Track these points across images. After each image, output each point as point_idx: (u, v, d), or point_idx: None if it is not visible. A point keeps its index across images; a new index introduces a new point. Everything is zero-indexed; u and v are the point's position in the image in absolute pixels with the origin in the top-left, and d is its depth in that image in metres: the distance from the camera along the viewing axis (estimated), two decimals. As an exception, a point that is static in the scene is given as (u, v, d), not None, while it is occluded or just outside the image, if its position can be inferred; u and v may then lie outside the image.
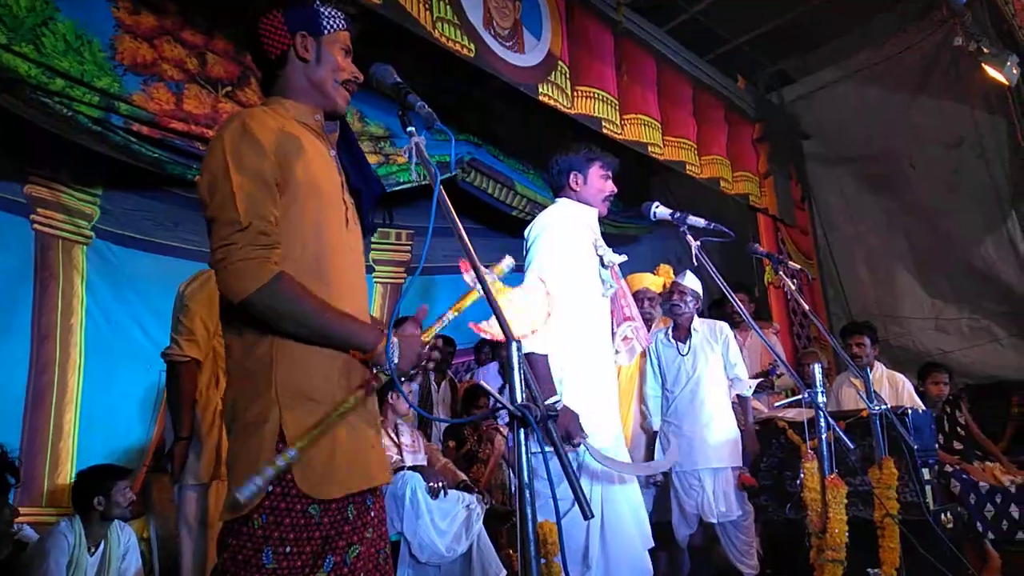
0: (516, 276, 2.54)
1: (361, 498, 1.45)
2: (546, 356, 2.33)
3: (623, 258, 2.68)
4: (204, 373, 2.90)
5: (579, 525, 2.20)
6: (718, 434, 3.65)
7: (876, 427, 2.90)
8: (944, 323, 6.38)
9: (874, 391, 2.90)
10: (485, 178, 5.68)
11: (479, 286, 1.38)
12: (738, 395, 3.84)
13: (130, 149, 3.78)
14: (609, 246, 2.64)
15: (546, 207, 2.72)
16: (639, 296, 3.98)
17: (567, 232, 2.53)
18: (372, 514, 1.48)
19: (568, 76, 4.70)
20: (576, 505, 1.16)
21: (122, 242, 4.64)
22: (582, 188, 2.64)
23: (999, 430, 5.23)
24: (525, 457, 1.24)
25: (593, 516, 2.26)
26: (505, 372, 1.28)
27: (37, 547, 3.00)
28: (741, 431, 3.78)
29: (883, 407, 2.88)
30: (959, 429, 4.72)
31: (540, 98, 4.46)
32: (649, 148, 5.30)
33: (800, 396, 2.68)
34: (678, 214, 2.70)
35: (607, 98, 4.94)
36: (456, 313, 1.52)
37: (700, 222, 2.68)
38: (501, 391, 4.72)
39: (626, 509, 2.37)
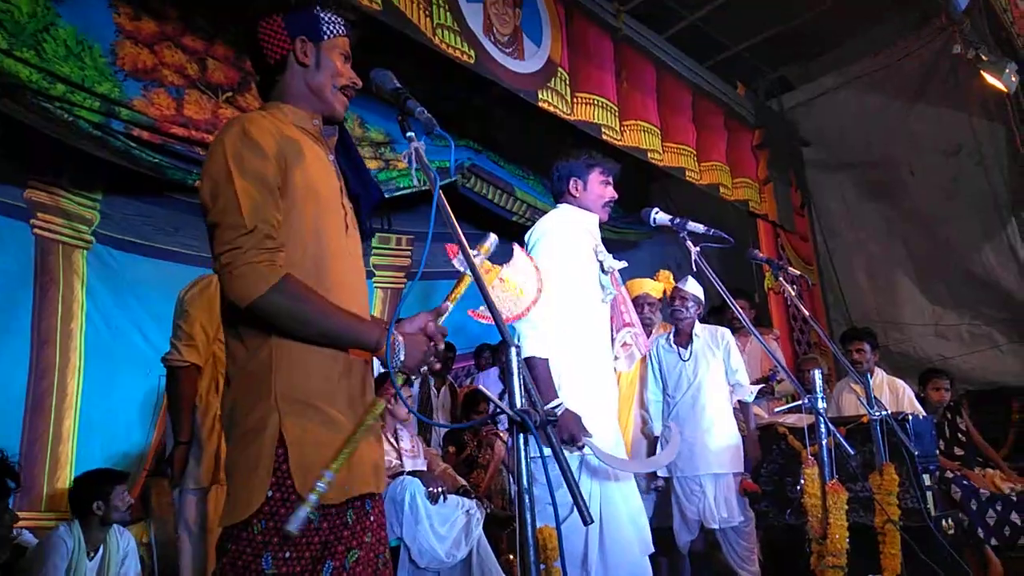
0: (516, 281, 2.54)
1: (360, 503, 1.45)
2: (547, 360, 2.33)
3: (623, 264, 2.68)
4: (204, 378, 2.91)
5: (577, 531, 2.20)
6: (719, 440, 3.65)
7: (877, 433, 2.89)
8: (944, 329, 6.39)
9: (874, 397, 2.91)
10: (485, 184, 5.69)
11: (469, 270, 1.38)
12: (739, 401, 3.84)
13: (130, 154, 3.79)
14: (609, 251, 2.64)
15: (546, 213, 2.72)
16: (639, 302, 3.98)
17: (567, 237, 2.53)
18: (371, 519, 1.48)
19: (568, 82, 4.71)
20: (574, 510, 1.16)
21: (122, 247, 4.64)
22: (582, 194, 2.65)
23: (1000, 436, 5.22)
24: (524, 462, 1.24)
25: (593, 521, 2.25)
26: (505, 377, 1.28)
27: (36, 552, 3.00)
28: (743, 437, 3.77)
29: (884, 413, 2.88)
30: (960, 435, 4.71)
31: (540, 104, 4.47)
32: (649, 154, 5.31)
33: (800, 402, 2.68)
34: (678, 220, 2.70)
35: (607, 104, 4.95)
36: (454, 302, 1.53)
37: (700, 228, 2.69)
38: (501, 396, 4.72)
39: (624, 515, 2.36)
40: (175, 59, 3.93)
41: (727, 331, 3.93)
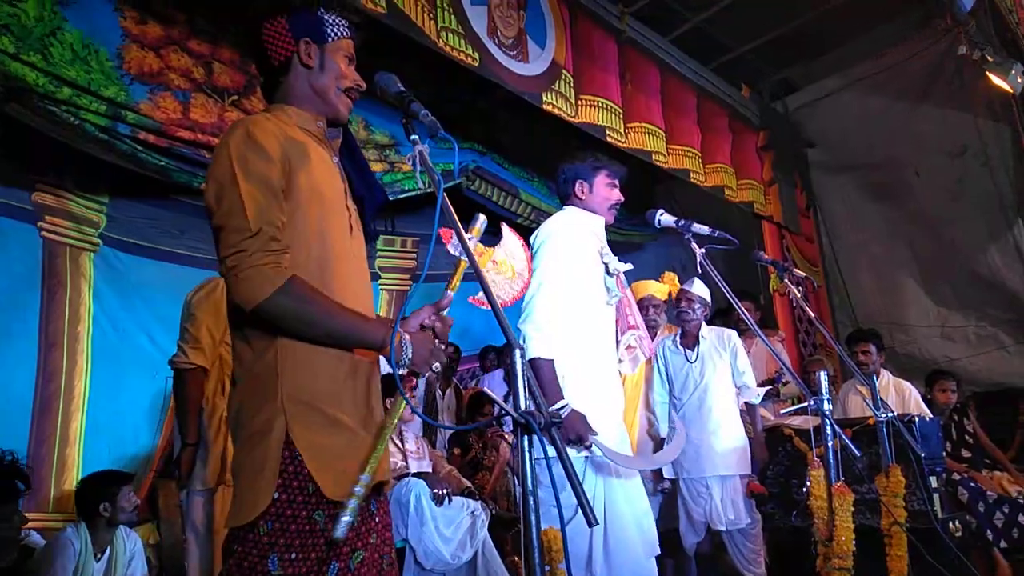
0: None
1: (365, 503, 1.45)
2: (551, 361, 2.34)
3: (628, 266, 2.68)
4: (210, 380, 2.93)
5: (582, 532, 2.20)
6: (726, 441, 3.64)
7: (883, 435, 2.88)
8: (950, 330, 6.36)
9: (880, 399, 2.89)
10: (489, 186, 5.70)
11: (465, 255, 1.39)
12: (746, 403, 3.84)
13: (137, 157, 3.81)
14: (614, 253, 2.64)
15: (551, 215, 2.72)
16: (644, 303, 3.98)
17: (572, 239, 2.53)
18: (376, 520, 1.49)
19: (572, 85, 4.72)
20: (579, 512, 1.16)
21: (129, 250, 4.66)
22: (588, 196, 2.65)
23: (1007, 437, 5.20)
24: (529, 464, 1.24)
25: (598, 523, 2.25)
26: (510, 379, 1.28)
27: (44, 553, 3.01)
28: (749, 439, 3.77)
29: (890, 415, 2.87)
30: (967, 437, 4.69)
31: (544, 107, 4.48)
32: (653, 156, 5.31)
33: (806, 404, 2.67)
34: (682, 222, 2.70)
35: (611, 107, 4.95)
36: (454, 290, 1.55)
37: (704, 230, 2.69)
38: (506, 398, 4.72)
39: (629, 516, 2.36)
40: (181, 63, 3.95)
41: (734, 333, 3.93)
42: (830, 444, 2.64)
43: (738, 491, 3.61)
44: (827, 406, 2.62)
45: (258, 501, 1.33)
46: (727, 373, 3.79)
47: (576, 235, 2.56)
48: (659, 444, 3.88)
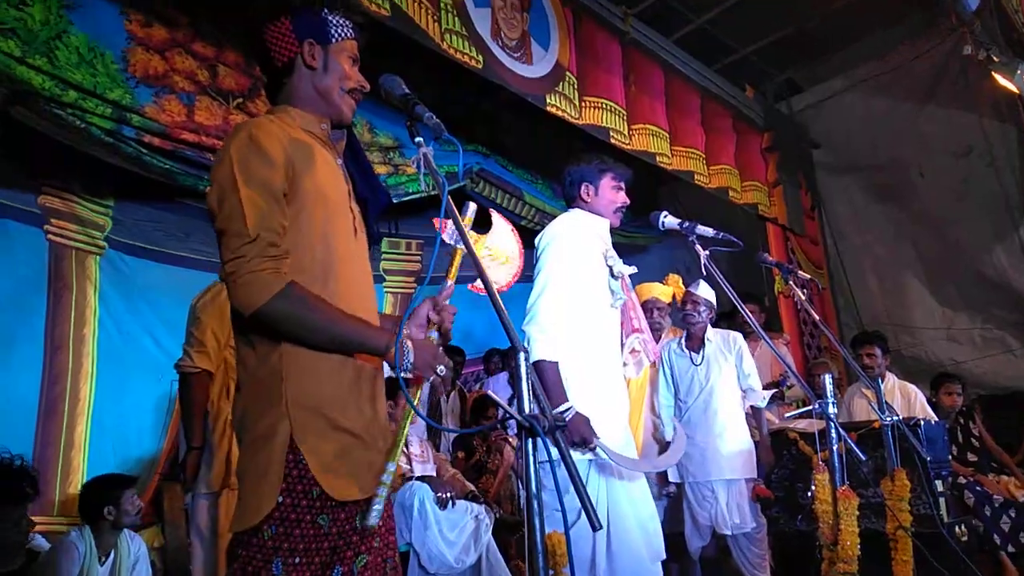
0: (526, 285, 2.55)
1: (368, 508, 1.45)
2: (556, 364, 2.34)
3: (633, 269, 2.68)
4: (215, 384, 2.94)
5: (585, 536, 2.19)
6: (731, 445, 3.63)
7: (888, 438, 2.87)
8: (956, 333, 6.33)
9: (886, 402, 2.88)
10: (494, 188, 5.70)
11: (463, 243, 1.40)
12: (752, 406, 3.82)
13: (142, 160, 3.82)
14: (618, 256, 2.64)
15: (555, 217, 2.72)
16: (648, 306, 3.98)
17: (577, 242, 2.53)
18: (379, 523, 1.48)
19: (576, 87, 4.71)
20: (582, 516, 1.16)
21: (134, 253, 4.68)
22: (593, 199, 2.64)
23: (1014, 441, 5.17)
24: (533, 468, 1.23)
25: (601, 527, 2.24)
26: (514, 382, 1.28)
27: (48, 557, 3.01)
28: (755, 442, 3.75)
29: (895, 418, 2.86)
30: (973, 440, 4.67)
31: (548, 109, 4.47)
32: (657, 158, 5.31)
33: (811, 407, 2.66)
34: (687, 224, 2.69)
35: (615, 108, 4.95)
36: (453, 280, 1.57)
37: (709, 232, 2.68)
38: (511, 401, 4.71)
39: (633, 520, 2.35)
40: (186, 65, 3.96)
41: (739, 335, 3.91)
42: (835, 448, 2.63)
43: (744, 495, 3.60)
44: (832, 409, 2.61)
45: (262, 505, 1.33)
46: (732, 376, 3.78)
47: (581, 237, 2.55)
48: (664, 447, 3.87)
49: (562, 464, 1.20)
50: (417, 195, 4.94)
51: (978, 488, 4.12)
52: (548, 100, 4.48)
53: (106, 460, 4.17)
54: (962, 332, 6.30)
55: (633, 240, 6.90)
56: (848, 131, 6.86)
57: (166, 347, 4.40)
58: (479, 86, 4.48)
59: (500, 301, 1.35)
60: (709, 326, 3.89)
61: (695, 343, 3.86)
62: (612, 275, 2.56)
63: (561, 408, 2.24)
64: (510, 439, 4.74)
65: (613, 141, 4.88)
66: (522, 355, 1.26)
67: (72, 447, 4.15)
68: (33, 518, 3.37)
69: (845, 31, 6.22)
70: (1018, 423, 5.40)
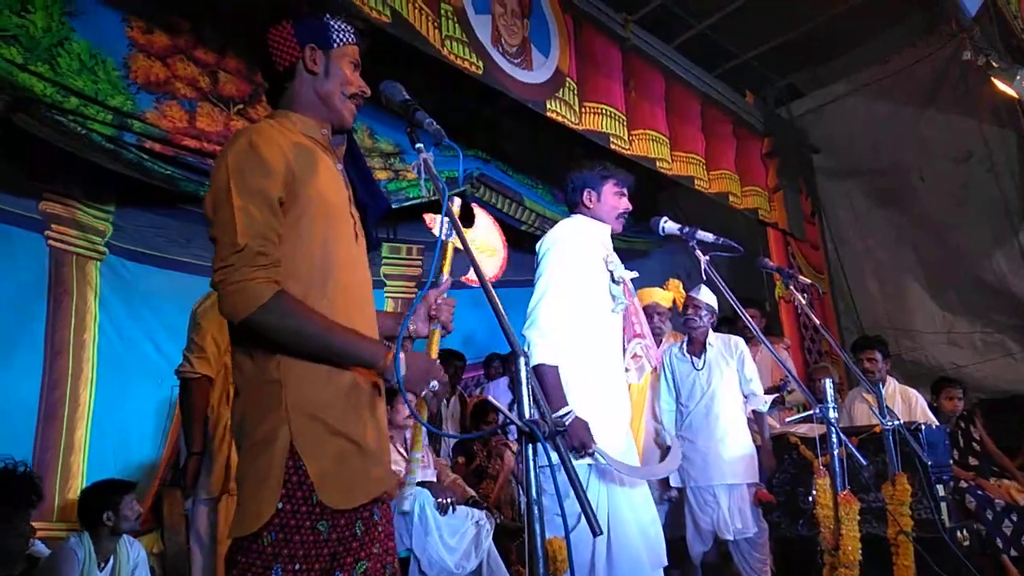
0: (526, 290, 2.55)
1: (368, 513, 1.45)
2: (556, 368, 2.34)
3: (634, 274, 2.68)
4: (216, 389, 2.95)
5: (585, 541, 2.19)
6: (733, 449, 3.63)
7: (889, 443, 2.87)
8: (957, 337, 6.33)
9: (887, 406, 2.89)
10: (494, 193, 5.71)
11: (457, 237, 1.44)
12: (754, 411, 3.82)
13: (143, 166, 3.83)
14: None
15: (556, 222, 2.72)
16: (648, 311, 3.97)
17: (578, 247, 2.53)
18: (379, 529, 1.48)
19: (576, 92, 4.73)
20: (582, 521, 1.16)
21: (135, 258, 4.68)
22: (595, 205, 2.65)
23: (1015, 445, 5.16)
24: (534, 473, 1.23)
25: (602, 532, 2.24)
26: (514, 387, 1.28)
27: (48, 562, 3.01)
28: (757, 447, 3.75)
29: (896, 423, 2.86)
30: (974, 445, 4.66)
31: (548, 114, 4.48)
32: (657, 163, 5.32)
33: (812, 411, 2.66)
34: (687, 229, 2.70)
35: (615, 114, 4.96)
36: (448, 273, 1.60)
37: (709, 237, 2.68)
38: (511, 406, 4.71)
39: (633, 525, 2.34)
40: (187, 72, 3.97)
41: (741, 340, 3.91)
42: (836, 452, 2.63)
43: (745, 500, 3.59)
44: (833, 414, 2.61)
45: (262, 511, 1.33)
46: (734, 380, 3.77)
47: (582, 243, 2.56)
48: (665, 452, 3.87)
49: (562, 469, 1.20)
50: (417, 200, 4.94)
51: (979, 492, 4.11)
52: (548, 106, 4.49)
53: (106, 465, 4.16)
54: (962, 336, 6.30)
55: (633, 245, 6.90)
56: (848, 136, 6.87)
57: (167, 352, 4.40)
58: (479, 92, 4.49)
59: (495, 295, 1.36)
60: (711, 331, 3.89)
61: (697, 348, 3.86)
62: (613, 280, 2.57)
63: (560, 412, 2.24)
64: (510, 444, 4.74)
65: (613, 146, 4.89)
66: (522, 360, 1.26)
67: (72, 452, 4.14)
68: (33, 524, 3.36)
69: (845, 36, 6.23)
70: (1019, 427, 5.38)
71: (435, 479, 3.90)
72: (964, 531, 3.53)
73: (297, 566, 1.32)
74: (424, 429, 1.46)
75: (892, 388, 4.43)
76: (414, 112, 1.53)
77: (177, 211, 4.81)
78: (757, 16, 5.69)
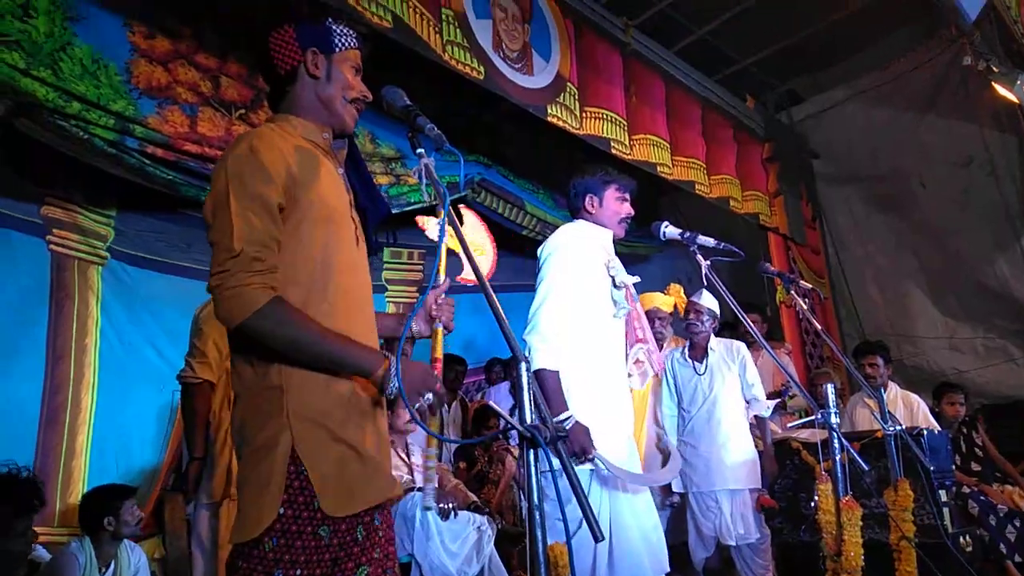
0: (526, 294, 2.55)
1: (369, 518, 1.44)
2: (557, 372, 2.33)
3: (636, 279, 2.68)
4: (217, 394, 2.95)
5: (586, 546, 2.18)
6: (735, 455, 3.62)
7: (891, 448, 2.87)
8: (958, 342, 6.32)
9: (888, 412, 2.88)
10: (495, 198, 5.71)
11: (456, 234, 1.45)
12: (756, 416, 3.81)
13: (145, 171, 3.83)
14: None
15: (557, 227, 2.73)
16: (650, 316, 3.97)
17: (580, 252, 2.53)
18: (380, 534, 1.48)
19: (577, 97, 4.73)
20: (583, 526, 1.16)
21: (136, 263, 4.68)
22: (598, 210, 2.65)
23: (1017, 450, 5.15)
24: (535, 478, 1.23)
25: (603, 538, 2.23)
26: (516, 392, 1.28)
27: (49, 567, 3.01)
28: (759, 452, 3.74)
29: (898, 428, 2.85)
30: (977, 450, 4.65)
31: (549, 119, 4.49)
32: (658, 168, 5.32)
33: (813, 417, 2.66)
34: (688, 234, 2.70)
35: (616, 119, 4.97)
36: (445, 274, 1.62)
37: (710, 242, 2.68)
38: (512, 411, 4.70)
39: (635, 530, 2.34)
40: (189, 77, 3.98)
41: (743, 345, 3.91)
42: (838, 458, 2.63)
43: (748, 505, 3.59)
44: (834, 419, 2.61)
45: (263, 517, 1.32)
46: (736, 385, 3.77)
47: (584, 248, 2.56)
48: (667, 457, 3.86)
49: (564, 474, 1.20)
50: (419, 205, 4.95)
51: (982, 498, 4.10)
52: (549, 111, 4.49)
53: (108, 470, 4.15)
54: (964, 342, 6.30)
55: (634, 250, 6.90)
56: (849, 141, 6.88)
57: (168, 357, 4.40)
58: (480, 97, 4.50)
59: (495, 297, 1.36)
60: (712, 335, 3.89)
61: (698, 353, 3.86)
62: (615, 285, 2.57)
63: (560, 417, 2.24)
64: (512, 449, 4.73)
65: (614, 151, 4.90)
66: (523, 365, 1.26)
67: (73, 457, 4.14)
68: (34, 528, 3.36)
69: (845, 41, 6.25)
70: (1021, 432, 5.38)
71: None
72: (967, 537, 3.52)
73: (298, 571, 1.32)
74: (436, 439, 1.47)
75: (894, 393, 4.42)
76: (415, 117, 1.54)
77: (178, 216, 4.81)
78: (757, 22, 5.70)
